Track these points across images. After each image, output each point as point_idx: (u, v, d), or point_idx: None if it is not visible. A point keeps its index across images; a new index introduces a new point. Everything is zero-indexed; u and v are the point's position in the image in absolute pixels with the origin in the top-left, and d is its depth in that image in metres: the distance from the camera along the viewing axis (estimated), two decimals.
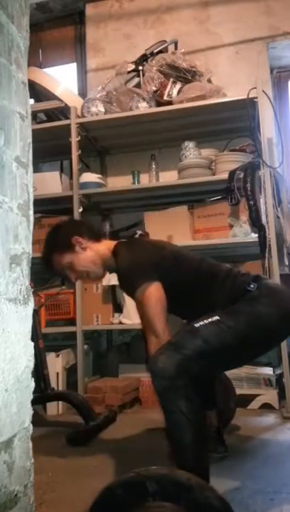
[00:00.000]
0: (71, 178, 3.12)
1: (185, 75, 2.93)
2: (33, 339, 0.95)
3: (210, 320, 1.46)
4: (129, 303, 2.82)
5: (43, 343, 2.52)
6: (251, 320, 1.49)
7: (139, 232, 2.77)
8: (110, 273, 1.95)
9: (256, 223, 2.58)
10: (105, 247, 1.83)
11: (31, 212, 0.99)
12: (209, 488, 1.02)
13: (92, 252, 1.80)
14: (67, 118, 3.16)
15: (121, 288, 1.87)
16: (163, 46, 3.18)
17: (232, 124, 3.02)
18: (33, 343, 0.95)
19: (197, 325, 1.45)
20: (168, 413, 1.35)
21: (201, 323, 1.46)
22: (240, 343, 1.48)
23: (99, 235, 1.89)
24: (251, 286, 1.59)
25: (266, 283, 1.66)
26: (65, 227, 1.89)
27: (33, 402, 0.94)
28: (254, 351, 1.61)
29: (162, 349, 1.41)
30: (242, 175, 2.61)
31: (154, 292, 1.58)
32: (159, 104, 2.97)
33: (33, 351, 0.95)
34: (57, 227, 1.91)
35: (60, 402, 2.71)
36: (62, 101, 3.13)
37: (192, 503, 0.98)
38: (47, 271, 1.94)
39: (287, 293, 1.65)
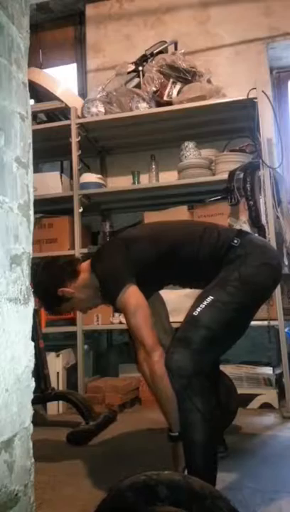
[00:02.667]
0: (71, 178, 3.12)
1: (185, 76, 2.93)
2: (33, 339, 0.95)
3: (205, 303, 1.46)
4: None
5: (44, 342, 2.53)
6: (243, 286, 1.49)
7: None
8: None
9: (256, 223, 2.58)
10: (85, 274, 1.74)
11: (31, 212, 0.99)
12: (223, 499, 1.00)
13: (79, 290, 1.74)
14: (68, 118, 3.16)
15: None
16: (163, 47, 3.18)
17: (231, 124, 3.03)
18: (33, 343, 0.95)
19: (195, 313, 1.45)
20: (184, 411, 1.36)
21: (198, 309, 1.45)
22: (239, 313, 1.49)
23: (74, 268, 1.77)
24: (235, 241, 1.57)
25: (249, 238, 1.63)
26: (45, 285, 1.73)
27: (34, 402, 0.94)
28: (252, 314, 1.61)
29: (172, 348, 1.42)
30: (241, 175, 2.61)
31: (132, 300, 1.50)
32: (159, 104, 2.97)
33: (33, 351, 0.95)
34: (39, 287, 1.70)
35: (61, 402, 2.72)
36: (62, 101, 3.13)
37: None
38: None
39: (271, 248, 1.66)
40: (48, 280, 1.76)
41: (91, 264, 1.72)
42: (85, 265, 1.77)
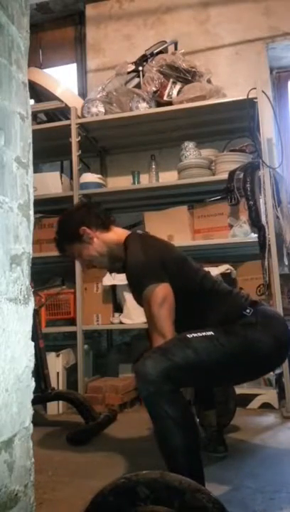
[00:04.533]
0: (71, 178, 3.12)
1: (185, 76, 2.93)
2: (33, 339, 0.95)
3: (203, 334, 1.45)
4: (130, 303, 2.82)
5: (44, 342, 2.53)
6: (245, 344, 1.49)
7: (140, 232, 2.74)
8: (115, 267, 1.91)
9: (255, 223, 2.58)
10: (115, 236, 1.81)
11: (31, 212, 0.99)
12: (202, 491, 1.00)
13: (99, 242, 1.79)
14: (68, 118, 3.16)
15: (128, 284, 1.85)
16: (163, 47, 3.18)
17: (231, 124, 3.03)
18: (33, 343, 0.95)
19: (189, 335, 1.44)
20: (155, 418, 1.34)
21: (194, 334, 1.45)
22: (230, 363, 1.47)
23: (108, 223, 1.85)
24: (247, 310, 1.59)
25: (263, 309, 1.64)
26: (74, 217, 1.85)
27: (34, 402, 0.94)
28: (243, 375, 1.61)
29: (150, 353, 1.40)
30: (241, 175, 2.61)
31: (163, 292, 1.54)
32: (159, 104, 2.97)
33: (33, 351, 0.95)
34: (67, 216, 1.89)
35: (61, 402, 2.72)
36: (62, 101, 3.13)
37: (186, 507, 0.97)
38: (62, 256, 1.96)
39: (282, 322, 1.64)
40: (78, 215, 1.85)
41: (127, 239, 1.77)
42: (121, 232, 1.84)
